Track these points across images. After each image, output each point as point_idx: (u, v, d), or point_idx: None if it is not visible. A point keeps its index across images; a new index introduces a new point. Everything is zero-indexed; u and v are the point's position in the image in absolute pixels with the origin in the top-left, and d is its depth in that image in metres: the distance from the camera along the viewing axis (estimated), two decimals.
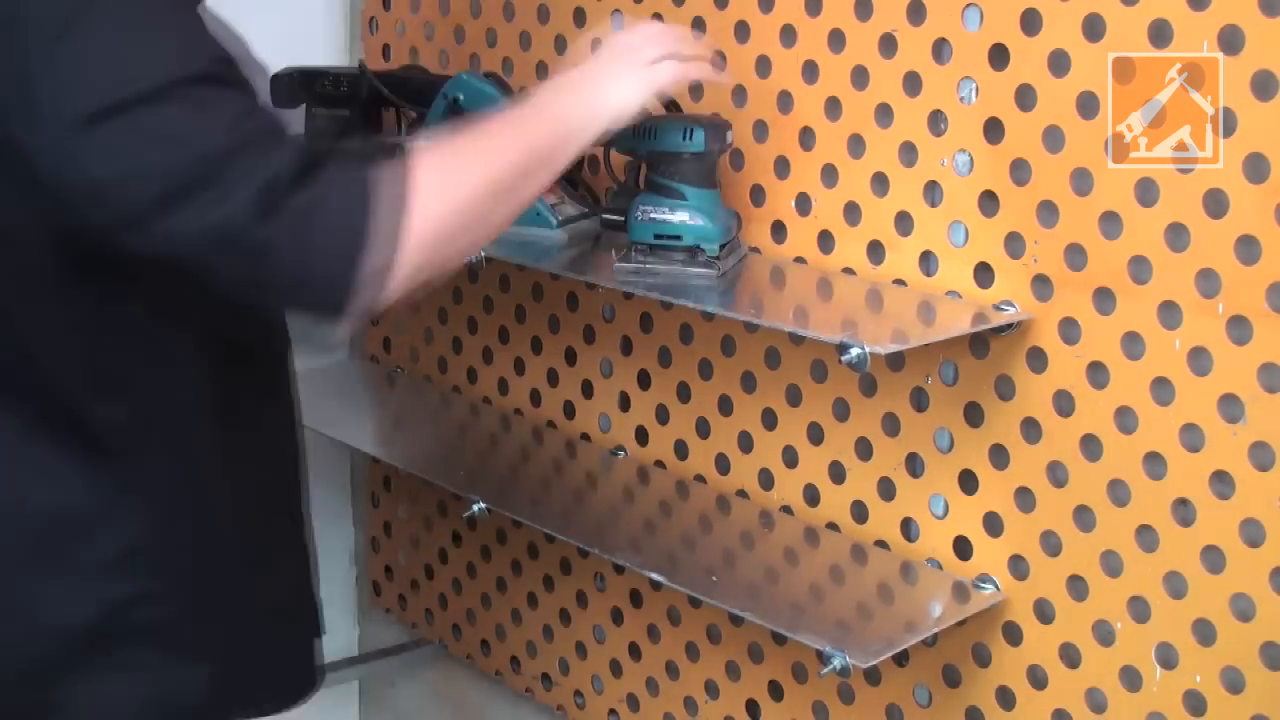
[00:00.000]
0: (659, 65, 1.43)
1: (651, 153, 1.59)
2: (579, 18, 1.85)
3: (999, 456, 1.50)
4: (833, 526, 1.66)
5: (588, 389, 1.93)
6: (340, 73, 2.05)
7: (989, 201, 1.47)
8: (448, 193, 1.21)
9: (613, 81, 1.41)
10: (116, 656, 1.33)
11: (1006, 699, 1.54)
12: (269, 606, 1.44)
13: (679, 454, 1.82)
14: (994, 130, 1.46)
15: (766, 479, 1.73)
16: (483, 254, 1.74)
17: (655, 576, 1.62)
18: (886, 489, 1.61)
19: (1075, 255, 1.42)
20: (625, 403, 1.88)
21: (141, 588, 1.33)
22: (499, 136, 1.29)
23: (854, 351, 1.34)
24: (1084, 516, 1.45)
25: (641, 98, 1.42)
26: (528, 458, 1.97)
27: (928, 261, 1.53)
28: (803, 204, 1.64)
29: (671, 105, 1.66)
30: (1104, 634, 1.45)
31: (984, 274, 1.49)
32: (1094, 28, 1.37)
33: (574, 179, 1.82)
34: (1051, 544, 1.48)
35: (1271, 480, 1.31)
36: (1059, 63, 1.40)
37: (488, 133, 1.29)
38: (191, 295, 1.23)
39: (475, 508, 1.80)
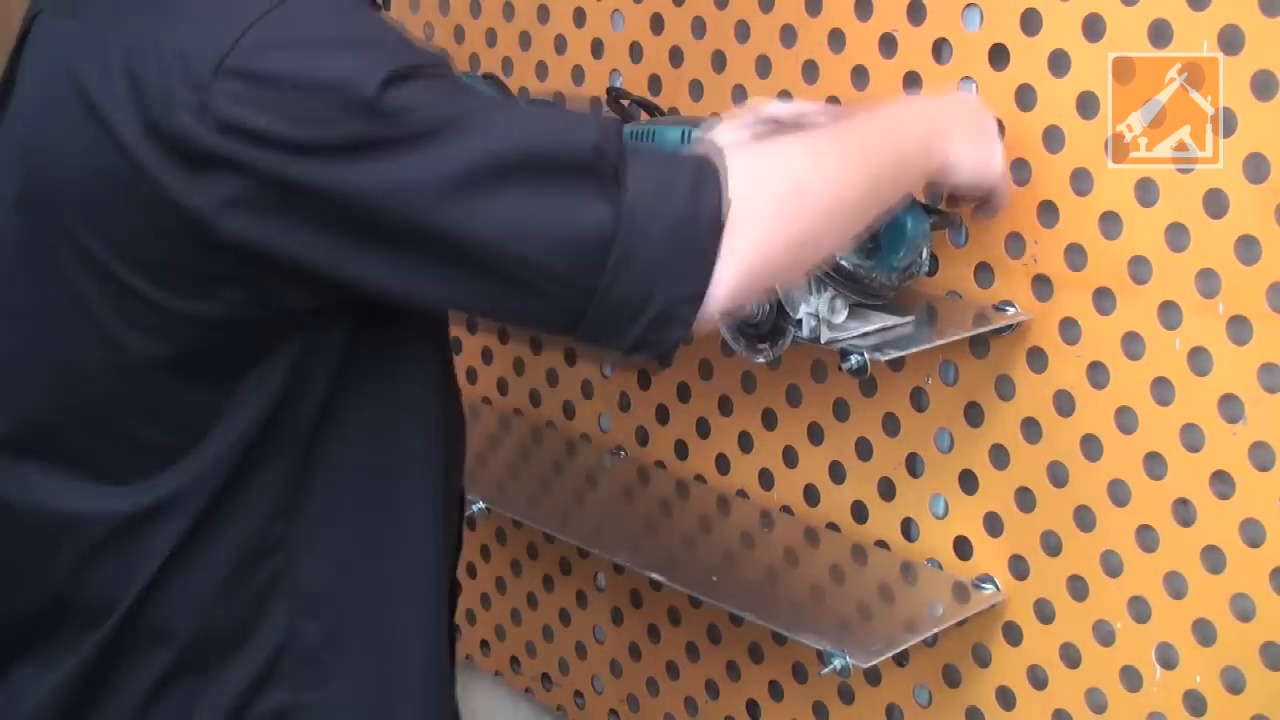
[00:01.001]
0: (1000, 150, 1.33)
1: None
2: (579, 18, 1.85)
3: (999, 456, 1.50)
4: (833, 526, 1.66)
5: (588, 389, 1.93)
6: None
7: None
8: (779, 221, 1.10)
9: (961, 135, 1.28)
10: None
11: (1006, 699, 1.54)
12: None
13: (679, 454, 1.82)
14: None
15: (766, 479, 1.73)
16: None
17: (655, 576, 1.62)
18: (886, 489, 1.61)
19: (1075, 255, 1.42)
20: (625, 403, 1.88)
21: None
22: (838, 152, 1.16)
23: (854, 359, 1.34)
24: (1084, 516, 1.45)
25: (981, 172, 1.30)
26: (528, 458, 1.97)
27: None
28: None
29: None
30: (1104, 634, 1.45)
31: (984, 274, 1.49)
32: (1094, 28, 1.37)
33: None
34: (1051, 544, 1.48)
35: (1271, 480, 1.31)
36: (1059, 63, 1.40)
37: (824, 147, 1.17)
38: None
39: (475, 508, 1.80)
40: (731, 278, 1.08)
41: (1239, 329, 1.32)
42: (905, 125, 1.26)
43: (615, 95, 1.77)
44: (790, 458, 1.70)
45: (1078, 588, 1.46)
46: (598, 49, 1.83)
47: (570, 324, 1.09)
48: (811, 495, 1.68)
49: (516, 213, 1.05)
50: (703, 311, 1.09)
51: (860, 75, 1.56)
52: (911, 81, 1.51)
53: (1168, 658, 1.41)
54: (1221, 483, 1.35)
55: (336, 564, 1.19)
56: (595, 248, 1.06)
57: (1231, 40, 1.28)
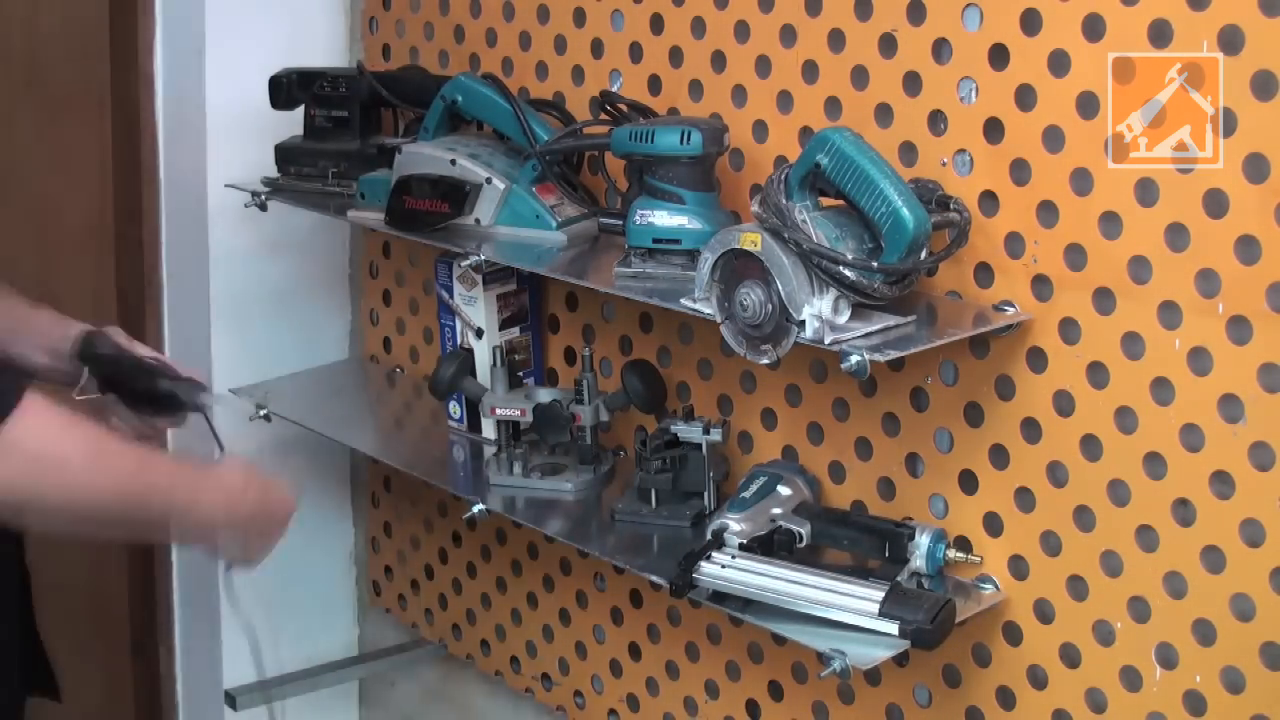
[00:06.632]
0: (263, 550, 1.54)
1: (649, 156, 1.59)
2: (579, 18, 1.85)
3: (999, 456, 1.50)
4: None
5: None
6: (338, 73, 2.06)
7: (989, 201, 1.47)
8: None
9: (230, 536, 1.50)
10: None
11: (1006, 699, 1.54)
12: None
13: None
14: (994, 130, 1.46)
15: None
16: (483, 256, 1.74)
17: (655, 578, 1.62)
18: (886, 489, 1.61)
19: (1075, 255, 1.42)
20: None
21: None
22: (111, 469, 1.37)
23: (854, 359, 1.34)
24: (1084, 516, 1.45)
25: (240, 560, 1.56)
26: None
27: None
28: None
29: None
30: (1104, 634, 1.45)
31: (984, 274, 1.48)
32: (1094, 28, 1.37)
33: (573, 181, 1.82)
34: (1051, 544, 1.48)
35: (1271, 480, 1.31)
36: (1059, 63, 1.40)
37: (104, 456, 1.37)
38: None
39: (475, 509, 1.80)
40: None
41: (1239, 329, 1.32)
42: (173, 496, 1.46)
43: (607, 99, 1.78)
44: (790, 458, 1.70)
45: (1078, 588, 1.46)
46: (598, 49, 1.83)
47: None
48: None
49: None
50: None
51: (860, 75, 1.56)
52: (911, 81, 1.51)
53: (1168, 658, 1.41)
54: (1221, 483, 1.35)
55: None
56: None
57: (1231, 40, 1.28)
